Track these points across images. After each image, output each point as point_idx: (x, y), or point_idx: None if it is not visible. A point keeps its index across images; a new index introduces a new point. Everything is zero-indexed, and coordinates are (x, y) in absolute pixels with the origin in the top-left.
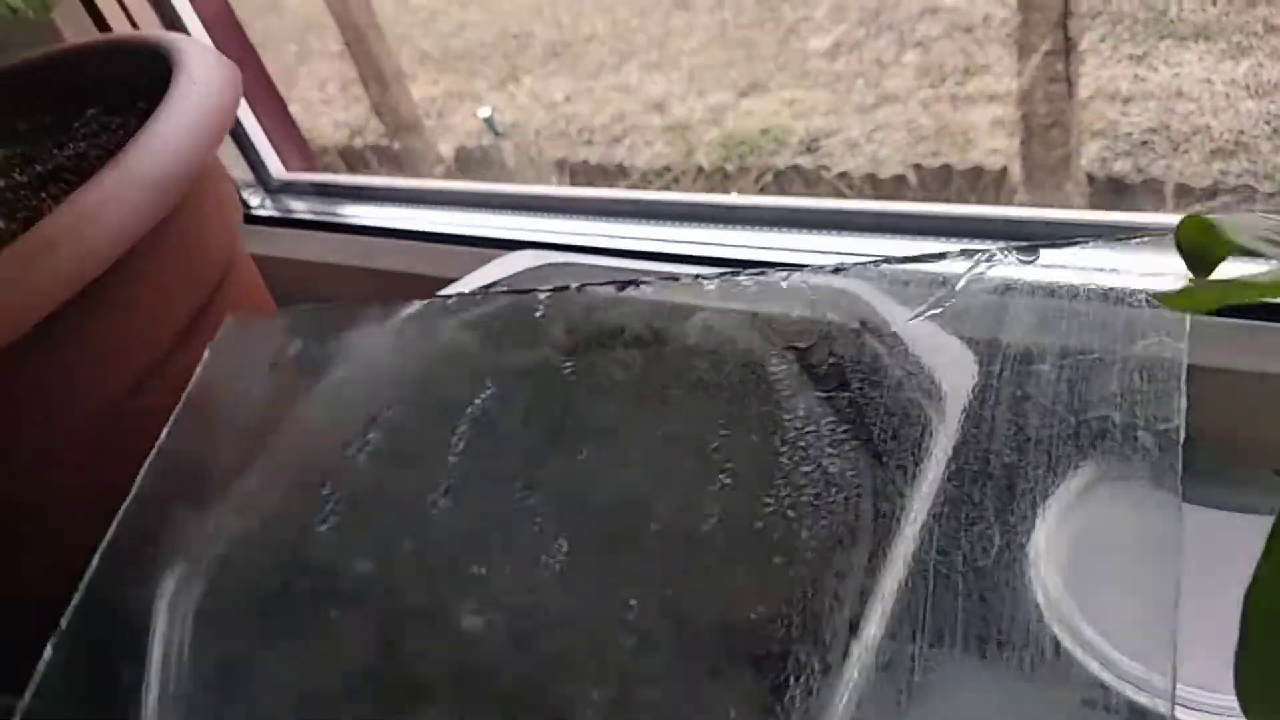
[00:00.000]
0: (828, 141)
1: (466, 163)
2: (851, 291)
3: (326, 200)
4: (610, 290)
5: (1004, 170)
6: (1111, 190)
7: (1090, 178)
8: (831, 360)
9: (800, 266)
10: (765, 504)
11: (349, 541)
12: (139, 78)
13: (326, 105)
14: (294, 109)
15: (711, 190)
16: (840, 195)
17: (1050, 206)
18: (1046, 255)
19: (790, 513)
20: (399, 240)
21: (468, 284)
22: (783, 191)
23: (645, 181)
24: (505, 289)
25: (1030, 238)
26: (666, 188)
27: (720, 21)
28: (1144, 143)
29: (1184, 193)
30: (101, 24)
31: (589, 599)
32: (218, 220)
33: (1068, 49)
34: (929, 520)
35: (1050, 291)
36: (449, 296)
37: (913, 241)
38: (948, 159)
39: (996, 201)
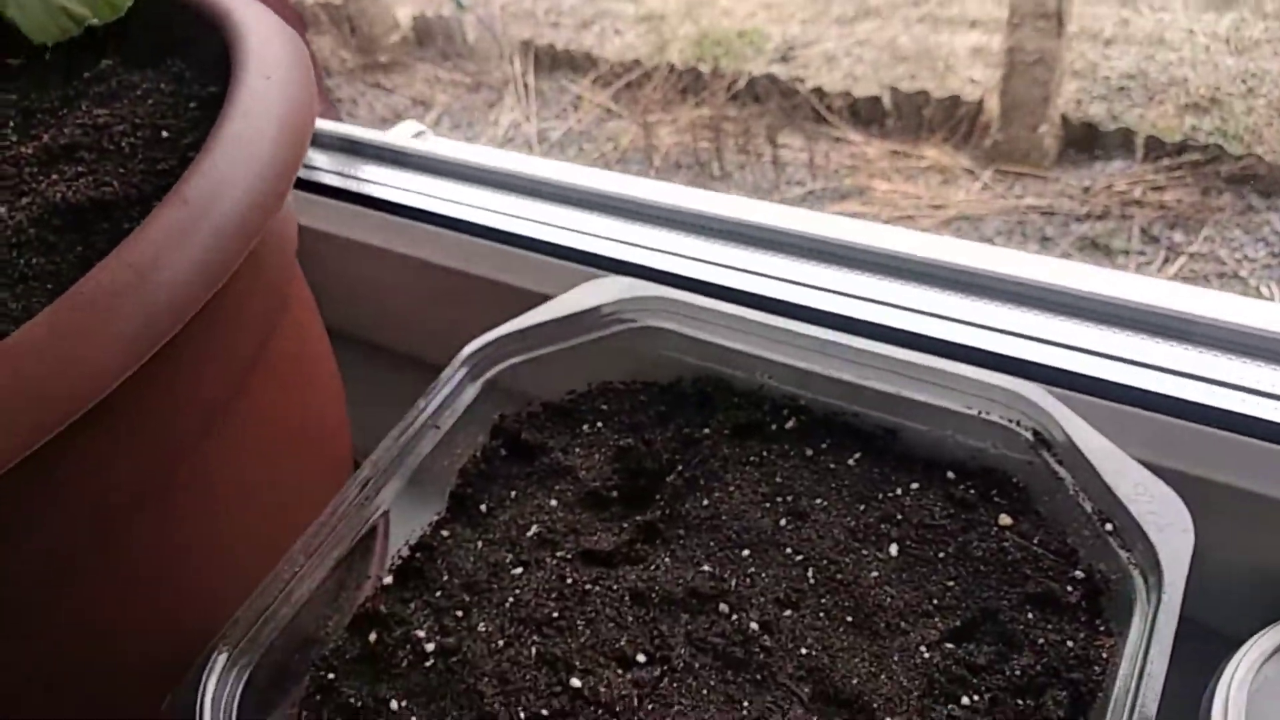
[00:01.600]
0: (804, 52)
1: (423, 34)
2: (1028, 398)
3: (353, 159)
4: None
5: (980, 102)
6: (1084, 135)
7: (1065, 119)
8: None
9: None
10: None
11: None
12: (168, 26)
13: None
14: None
15: (685, 91)
16: (815, 111)
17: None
18: None
19: None
20: (433, 226)
21: (548, 312)
22: (757, 100)
23: (614, 75)
24: (613, 325)
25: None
26: (636, 83)
27: None
28: (1121, 89)
29: (1154, 146)
30: None
31: None
32: (279, 252)
33: None
34: None
35: None
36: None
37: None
38: (925, 84)
39: (970, 135)
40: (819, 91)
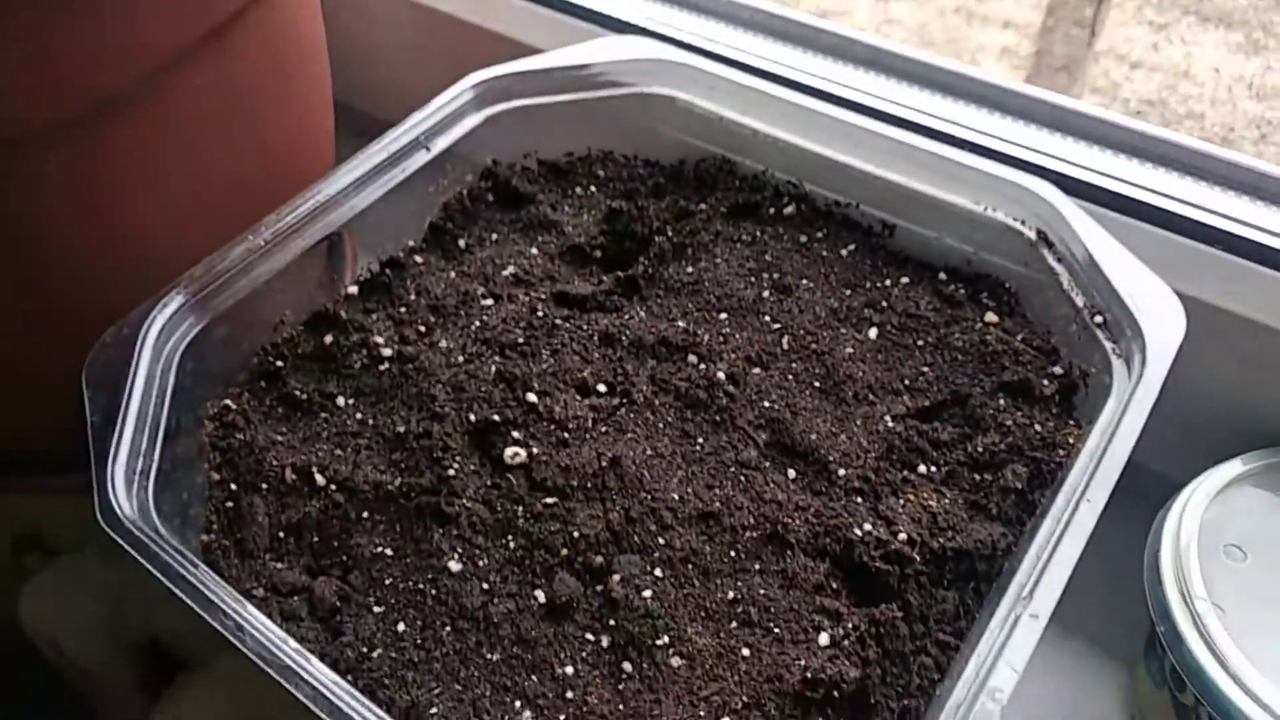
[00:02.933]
0: (837, 19)
1: None
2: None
3: None
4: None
5: None
6: None
7: None
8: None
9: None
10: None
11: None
12: None
13: None
14: None
15: None
16: None
17: None
18: None
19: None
20: None
21: (561, 59)
22: None
23: None
24: (623, 85)
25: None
26: None
27: None
28: (1138, 112)
29: None
30: None
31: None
32: None
33: None
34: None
35: None
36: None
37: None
38: None
39: None
40: None
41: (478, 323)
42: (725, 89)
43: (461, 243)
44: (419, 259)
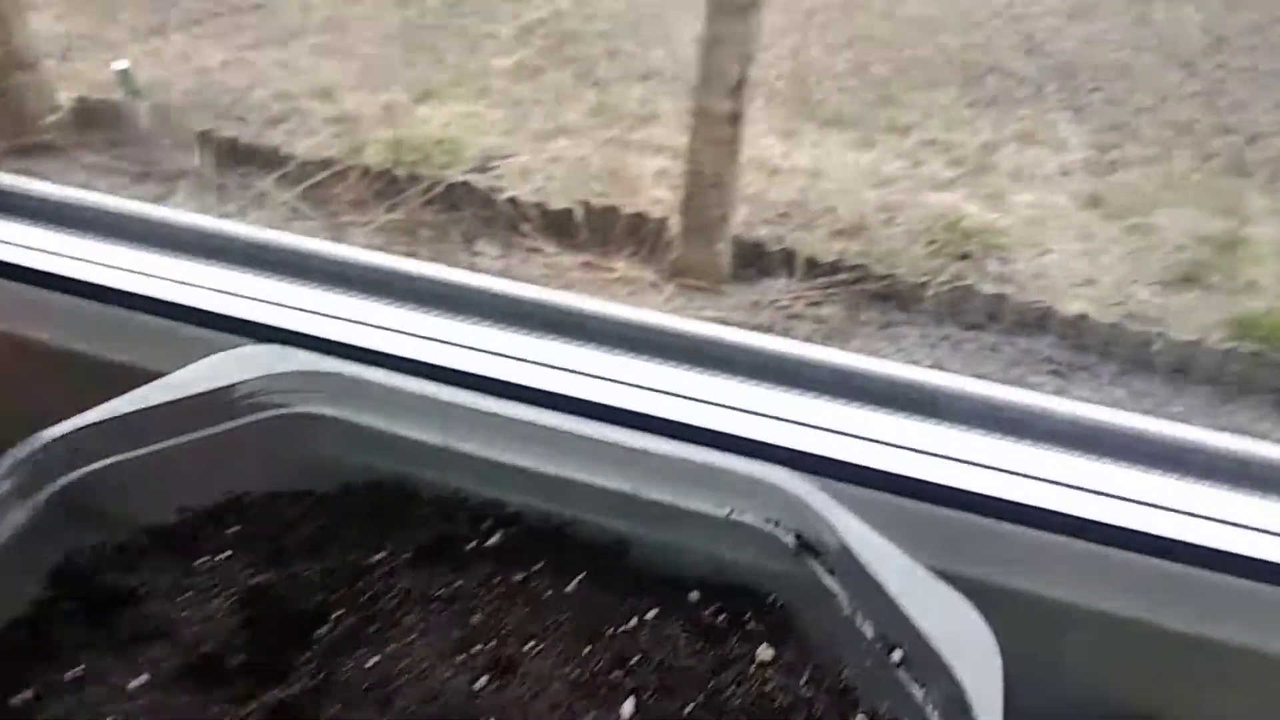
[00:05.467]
0: (502, 163)
1: (89, 118)
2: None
3: None
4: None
5: (664, 220)
6: (754, 254)
7: (738, 240)
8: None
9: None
10: None
11: None
12: None
13: None
14: None
15: (380, 195)
16: (510, 221)
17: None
18: None
19: None
20: (29, 286)
21: (170, 389)
22: (454, 208)
23: (305, 173)
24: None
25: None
26: (328, 183)
27: (403, 18)
28: (784, 214)
29: (812, 266)
30: None
31: None
32: None
33: (736, 115)
34: None
35: None
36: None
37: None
38: (614, 200)
39: (653, 251)
40: (514, 202)
41: None
42: (391, 399)
43: (24, 696)
44: None
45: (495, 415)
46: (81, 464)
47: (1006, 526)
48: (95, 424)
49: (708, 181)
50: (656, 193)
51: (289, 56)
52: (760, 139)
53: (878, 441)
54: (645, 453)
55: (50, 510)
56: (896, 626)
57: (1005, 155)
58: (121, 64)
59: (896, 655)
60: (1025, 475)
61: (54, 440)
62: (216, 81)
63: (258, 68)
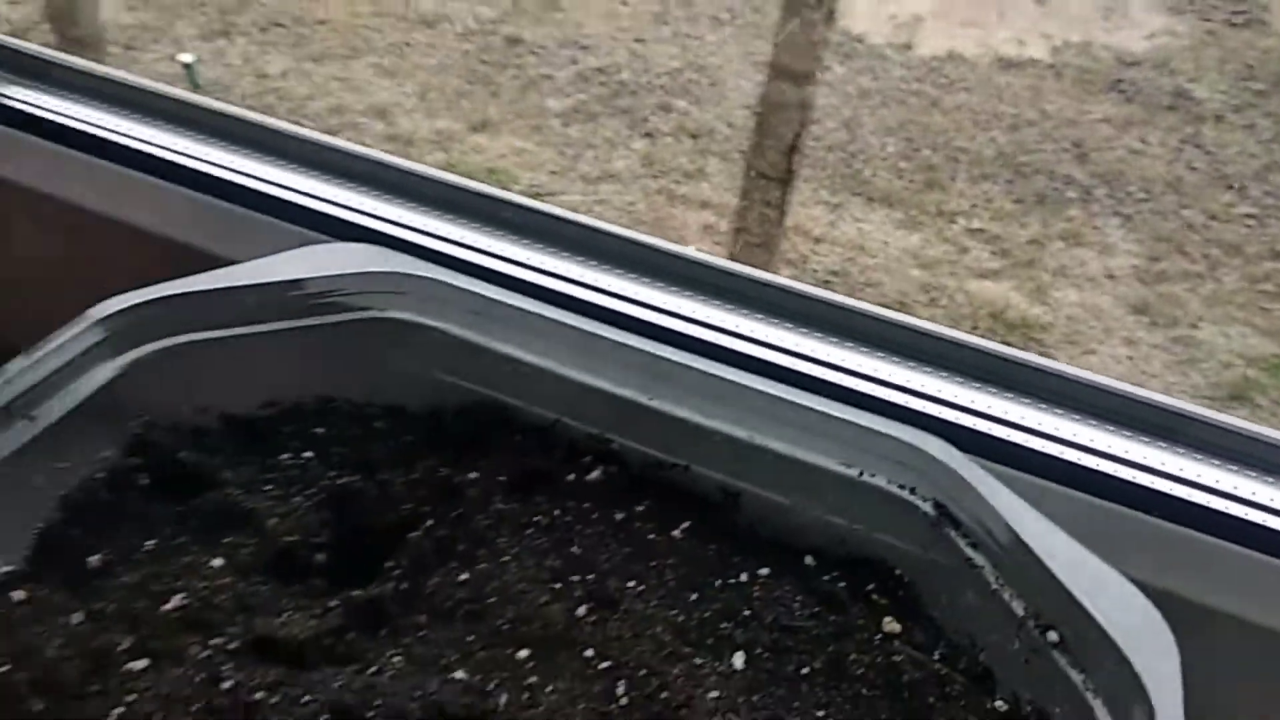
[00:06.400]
0: (550, 199)
1: None
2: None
3: (31, 87)
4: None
5: None
6: None
7: None
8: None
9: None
10: None
11: None
12: None
13: None
14: None
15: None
16: None
17: None
18: None
19: None
20: (129, 170)
21: (261, 273)
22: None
23: None
24: (344, 308)
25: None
26: None
27: (464, 51)
28: (826, 282)
29: None
30: None
31: None
32: None
33: (788, 178)
34: None
35: None
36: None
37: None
38: None
39: None
40: None
41: (120, 709)
42: (489, 311)
43: (95, 559)
44: (19, 595)
45: (601, 338)
46: (164, 334)
47: (1178, 530)
48: (179, 295)
49: (754, 240)
50: (701, 246)
51: (349, 74)
52: (806, 207)
53: (1037, 433)
54: (767, 396)
55: (131, 376)
56: (1055, 606)
57: (1052, 252)
58: (187, 57)
59: (1053, 636)
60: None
61: (138, 304)
62: (276, 89)
63: (317, 80)
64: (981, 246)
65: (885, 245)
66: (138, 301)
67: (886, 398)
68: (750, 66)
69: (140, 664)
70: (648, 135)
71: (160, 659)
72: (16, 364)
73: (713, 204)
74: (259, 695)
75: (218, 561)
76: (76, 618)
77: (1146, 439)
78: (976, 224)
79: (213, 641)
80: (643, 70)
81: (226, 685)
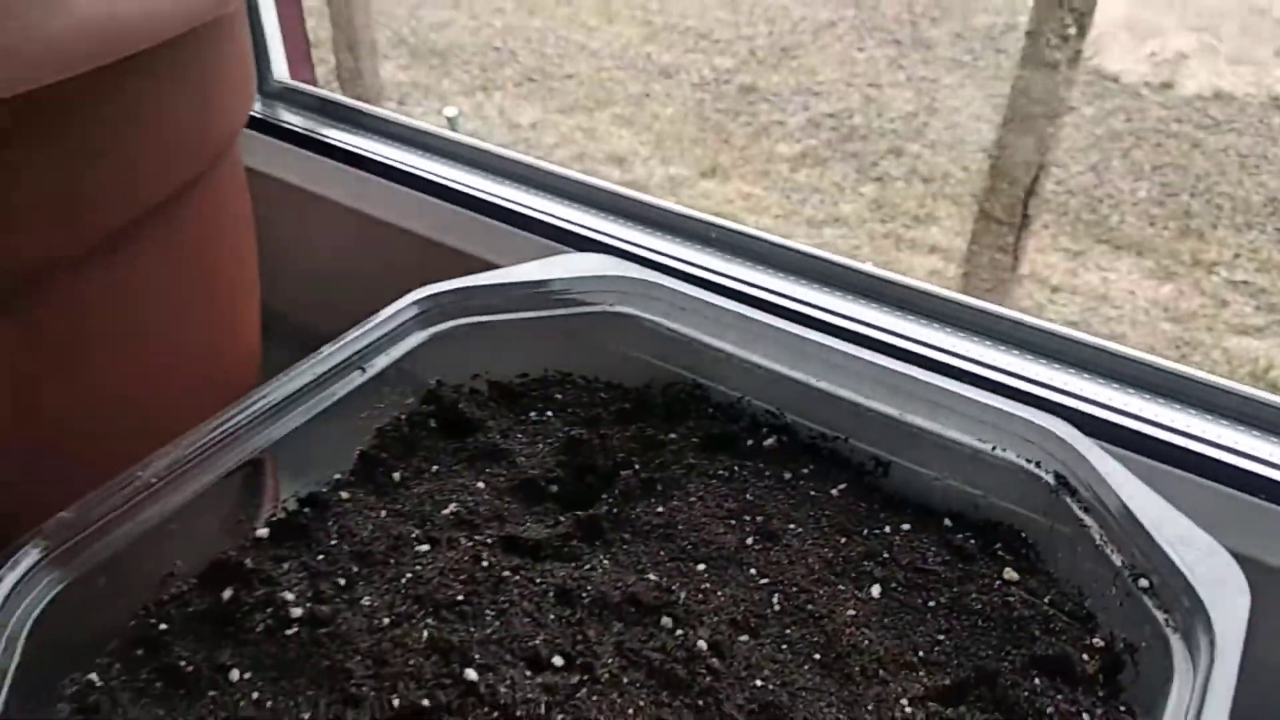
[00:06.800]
0: None
1: None
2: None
3: (329, 122)
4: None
5: None
6: None
7: None
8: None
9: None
10: None
11: None
12: None
13: None
14: None
15: None
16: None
17: None
18: None
19: None
20: (407, 188)
21: (515, 274)
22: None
23: None
24: (582, 303)
25: None
26: None
27: (699, 100)
28: None
29: None
30: None
31: None
32: (238, 75)
33: (1023, 223)
34: None
35: None
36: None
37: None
38: None
39: None
40: None
41: (409, 574)
42: (693, 308)
43: (396, 474)
44: (345, 495)
45: (778, 330)
46: (457, 316)
47: (1265, 504)
48: (472, 286)
49: (983, 285)
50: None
51: (592, 123)
52: (1044, 254)
53: (1133, 416)
54: (912, 378)
55: (432, 345)
56: (1147, 557)
57: None
58: (451, 111)
59: (1144, 583)
60: None
61: (445, 291)
62: (527, 139)
63: (563, 130)
64: (1244, 300)
65: (1132, 295)
66: (440, 290)
67: (1020, 387)
68: (990, 109)
69: (424, 547)
70: (877, 179)
71: (438, 545)
72: (356, 330)
73: (941, 248)
74: (505, 574)
75: (481, 484)
76: (383, 513)
77: (1243, 428)
78: (1240, 275)
79: (475, 537)
80: (875, 115)
81: (484, 565)
